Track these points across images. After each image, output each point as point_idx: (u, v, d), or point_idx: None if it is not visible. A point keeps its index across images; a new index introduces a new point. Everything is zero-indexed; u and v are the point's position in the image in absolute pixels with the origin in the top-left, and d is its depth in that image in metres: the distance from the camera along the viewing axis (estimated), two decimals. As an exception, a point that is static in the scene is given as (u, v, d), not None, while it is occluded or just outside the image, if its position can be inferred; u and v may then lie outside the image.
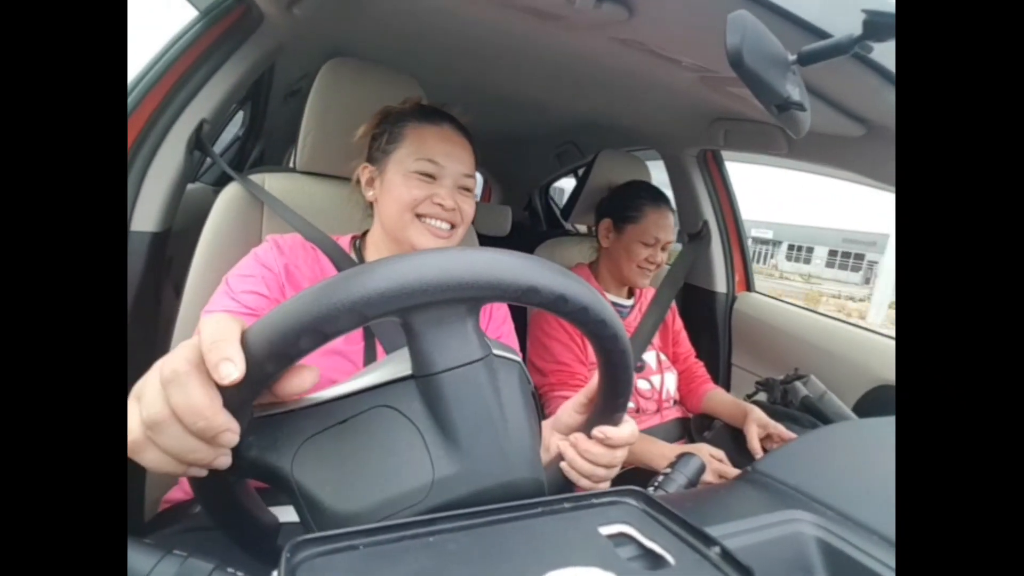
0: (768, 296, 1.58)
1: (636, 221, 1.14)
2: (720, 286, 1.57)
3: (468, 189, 0.74)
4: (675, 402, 1.22)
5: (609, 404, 0.44)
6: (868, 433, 0.54)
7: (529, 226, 2.49)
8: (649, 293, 1.28)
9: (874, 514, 0.37)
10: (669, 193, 1.36)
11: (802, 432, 1.03)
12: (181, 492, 0.64)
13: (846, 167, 1.05)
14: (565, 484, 0.49)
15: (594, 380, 0.45)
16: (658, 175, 1.46)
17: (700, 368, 1.29)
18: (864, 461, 0.47)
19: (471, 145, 0.75)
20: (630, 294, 1.26)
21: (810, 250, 35.58)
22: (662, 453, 0.99)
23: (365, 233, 0.80)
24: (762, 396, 1.20)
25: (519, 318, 0.94)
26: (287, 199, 0.81)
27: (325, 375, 0.32)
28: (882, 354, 1.22)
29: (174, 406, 0.28)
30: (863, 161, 0.99)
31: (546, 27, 0.77)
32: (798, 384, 1.13)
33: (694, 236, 1.53)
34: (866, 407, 1.17)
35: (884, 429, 0.51)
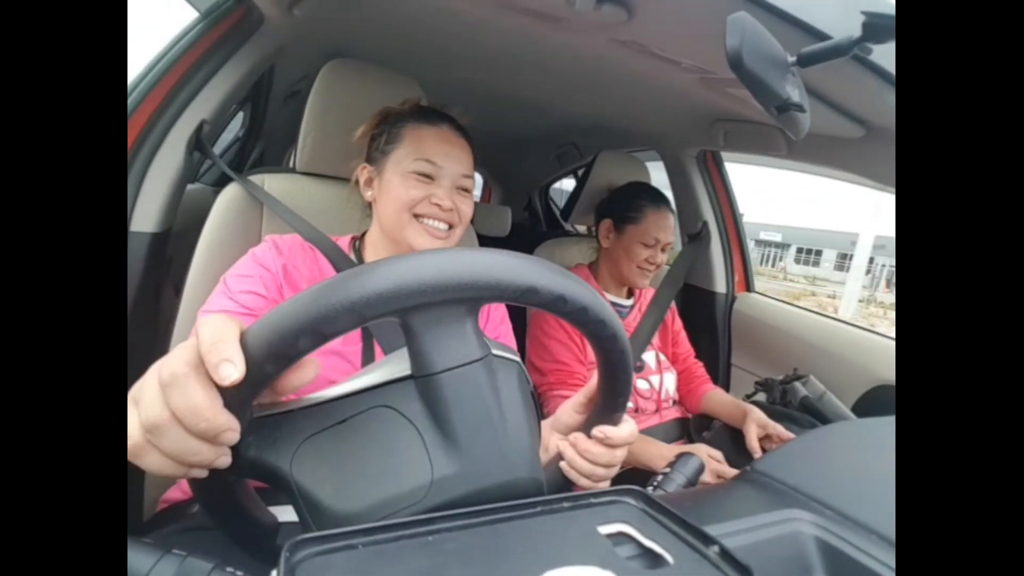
0: (766, 296, 1.58)
1: (636, 222, 1.15)
2: (720, 286, 1.57)
3: (466, 190, 0.74)
4: (674, 402, 1.22)
5: (608, 404, 0.44)
6: (867, 433, 0.54)
7: (529, 227, 2.48)
8: (649, 293, 1.29)
9: (873, 514, 0.37)
10: (669, 194, 1.36)
11: (801, 432, 1.03)
12: (180, 492, 0.64)
13: (846, 168, 1.05)
14: (564, 484, 0.49)
15: (593, 380, 0.45)
16: (658, 175, 1.46)
17: (699, 368, 1.29)
18: (863, 461, 0.47)
19: (470, 146, 0.75)
20: (630, 294, 1.26)
21: (819, 253, 35.53)
22: (661, 453, 0.99)
23: (364, 234, 0.79)
24: (761, 396, 1.20)
25: (518, 318, 0.94)
26: (287, 200, 0.81)
27: (324, 375, 0.32)
28: (881, 354, 1.22)
29: (174, 408, 0.28)
30: (863, 162, 1.00)
31: (546, 28, 0.77)
32: (797, 384, 1.13)
33: (694, 236, 1.53)
34: (865, 407, 1.17)
35: (883, 429, 0.51)
